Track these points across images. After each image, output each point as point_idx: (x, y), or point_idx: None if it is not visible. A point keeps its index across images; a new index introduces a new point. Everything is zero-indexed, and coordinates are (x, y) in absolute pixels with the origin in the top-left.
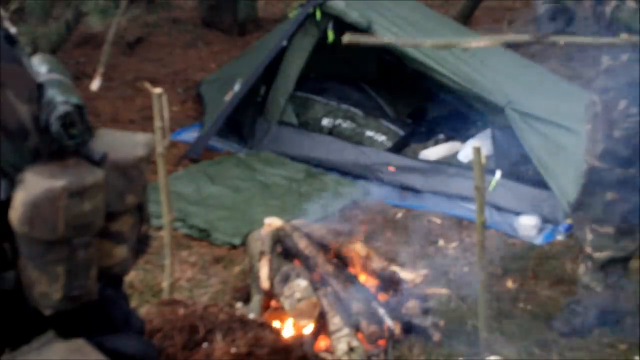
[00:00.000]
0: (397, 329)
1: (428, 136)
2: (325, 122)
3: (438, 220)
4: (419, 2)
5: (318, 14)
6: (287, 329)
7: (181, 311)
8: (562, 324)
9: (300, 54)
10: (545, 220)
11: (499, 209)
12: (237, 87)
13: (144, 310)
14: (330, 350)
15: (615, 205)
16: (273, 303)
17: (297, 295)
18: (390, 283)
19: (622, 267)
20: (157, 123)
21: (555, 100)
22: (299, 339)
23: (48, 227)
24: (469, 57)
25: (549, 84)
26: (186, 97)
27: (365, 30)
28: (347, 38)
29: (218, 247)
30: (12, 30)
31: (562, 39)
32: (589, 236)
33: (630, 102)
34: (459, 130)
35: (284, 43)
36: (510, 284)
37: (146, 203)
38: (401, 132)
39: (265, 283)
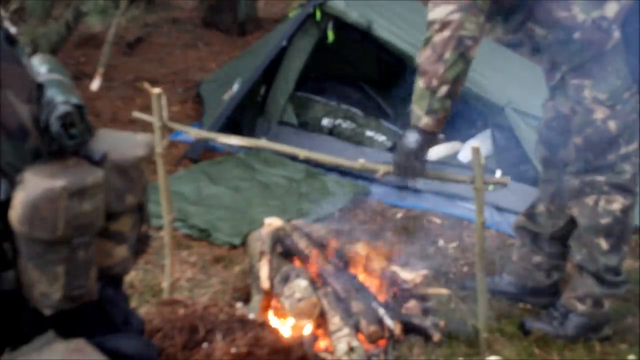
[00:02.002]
0: (397, 329)
1: None
2: (325, 122)
3: (438, 220)
4: (419, 2)
5: (318, 14)
6: (287, 329)
7: (181, 311)
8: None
9: (300, 54)
10: None
11: (499, 209)
12: (235, 87)
13: (144, 310)
14: (330, 350)
15: (545, 186)
16: (273, 303)
17: (297, 295)
18: (390, 283)
19: (534, 241)
20: (157, 123)
21: None
22: (299, 339)
23: (48, 227)
24: None
25: None
26: (186, 97)
27: (366, 30)
28: None
29: (218, 247)
30: (12, 30)
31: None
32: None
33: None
34: (459, 130)
35: (284, 43)
36: None
37: (146, 203)
38: (401, 132)
39: (265, 283)
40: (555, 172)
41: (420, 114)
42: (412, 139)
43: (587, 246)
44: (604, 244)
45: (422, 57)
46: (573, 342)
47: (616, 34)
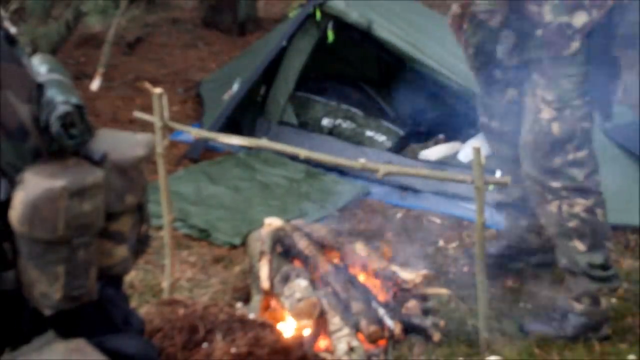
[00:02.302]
0: (397, 329)
1: (428, 136)
2: (325, 122)
3: (438, 220)
4: (419, 2)
5: (318, 14)
6: (287, 329)
7: (181, 311)
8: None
9: (300, 54)
10: None
11: None
12: (235, 86)
13: (144, 310)
14: (330, 350)
15: (497, 158)
16: (273, 303)
17: (297, 295)
18: (390, 283)
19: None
20: (158, 123)
21: None
22: (299, 339)
23: (48, 227)
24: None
25: None
26: (186, 97)
27: (366, 30)
28: None
29: (218, 247)
30: (12, 30)
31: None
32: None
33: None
34: (459, 130)
35: (284, 43)
36: (510, 284)
37: (146, 203)
38: (401, 132)
39: (265, 283)
40: (498, 143)
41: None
42: None
43: (566, 251)
44: (580, 245)
45: (450, 19)
46: (573, 342)
47: (576, 44)
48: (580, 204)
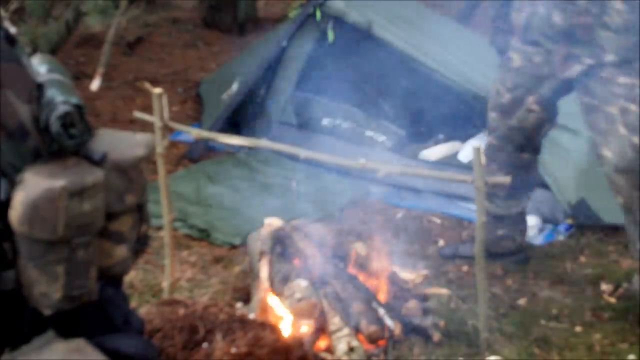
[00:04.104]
0: (397, 329)
1: (428, 136)
2: (325, 122)
3: (438, 220)
4: (419, 2)
5: (318, 14)
6: (287, 329)
7: (181, 311)
8: (448, 249)
9: (300, 54)
10: (545, 220)
11: None
12: (234, 86)
13: (144, 310)
14: (330, 350)
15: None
16: (272, 303)
17: (297, 295)
18: (390, 283)
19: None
20: (158, 123)
21: None
22: (299, 339)
23: (48, 227)
24: (469, 57)
25: None
26: (186, 97)
27: (366, 30)
28: None
29: (218, 247)
30: (12, 30)
31: None
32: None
33: (536, 99)
34: (459, 130)
35: (284, 43)
36: (510, 283)
37: (146, 203)
38: (401, 132)
39: (265, 283)
40: (520, 170)
41: None
42: None
43: None
44: None
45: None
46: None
47: None
48: None
